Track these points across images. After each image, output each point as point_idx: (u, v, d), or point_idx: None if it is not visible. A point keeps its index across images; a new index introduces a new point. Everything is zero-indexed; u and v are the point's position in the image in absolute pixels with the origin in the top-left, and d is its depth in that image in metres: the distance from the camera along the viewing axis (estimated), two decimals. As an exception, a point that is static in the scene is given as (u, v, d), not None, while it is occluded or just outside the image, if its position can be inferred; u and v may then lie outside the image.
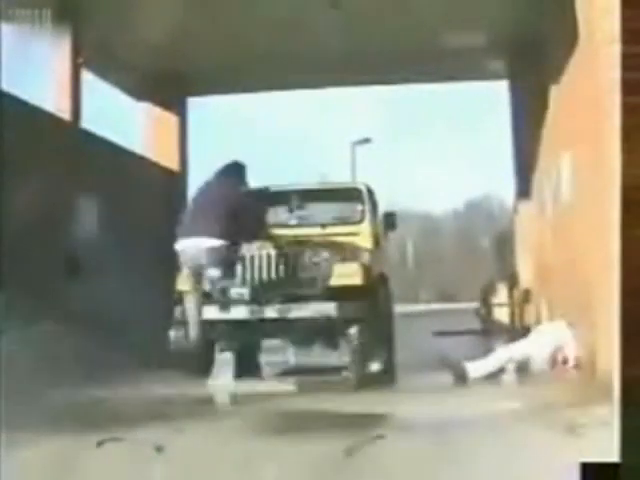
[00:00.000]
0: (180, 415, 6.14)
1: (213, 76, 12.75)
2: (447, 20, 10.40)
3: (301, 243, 8.35)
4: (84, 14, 9.51)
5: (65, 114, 9.62)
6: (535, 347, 8.01)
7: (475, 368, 7.61)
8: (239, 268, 8.00)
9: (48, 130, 9.01)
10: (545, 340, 8.12)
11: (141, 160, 11.96)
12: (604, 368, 5.98)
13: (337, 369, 8.42)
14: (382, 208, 10.13)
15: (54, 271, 8.71)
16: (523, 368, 7.93)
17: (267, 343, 9.20)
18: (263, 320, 7.85)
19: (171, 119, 13.01)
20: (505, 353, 7.99)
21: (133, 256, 10.26)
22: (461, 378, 7.42)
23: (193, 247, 7.41)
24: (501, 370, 7.73)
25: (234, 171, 8.09)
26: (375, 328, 7.85)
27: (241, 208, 7.71)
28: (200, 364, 8.19)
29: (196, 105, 13.76)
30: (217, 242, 7.42)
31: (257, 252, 8.07)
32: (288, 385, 7.74)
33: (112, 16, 9.75)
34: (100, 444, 4.27)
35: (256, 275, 7.98)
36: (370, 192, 9.55)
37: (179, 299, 7.97)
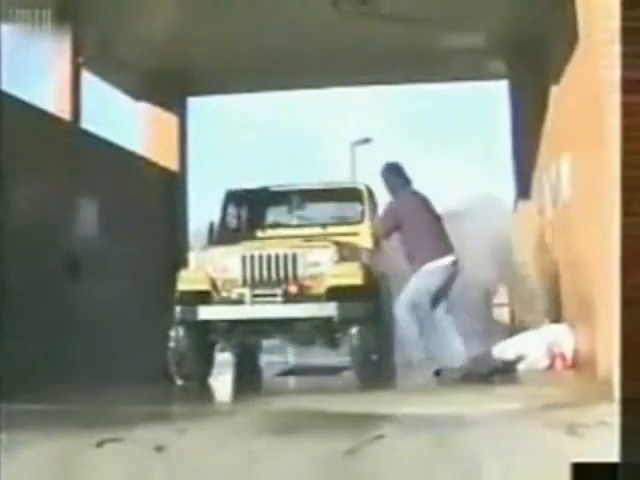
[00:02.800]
0: (180, 415, 6.15)
1: (213, 76, 12.73)
2: (447, 20, 10.38)
3: (301, 243, 8.35)
4: (84, 14, 9.50)
5: (65, 114, 9.61)
6: (531, 346, 8.01)
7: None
8: (239, 268, 8.00)
9: (48, 130, 8.99)
10: (541, 339, 8.13)
11: (141, 160, 11.95)
12: (604, 368, 5.98)
13: (337, 369, 8.42)
14: (382, 208, 10.13)
15: (53, 271, 8.70)
16: (521, 368, 7.93)
17: (267, 343, 9.20)
18: (263, 320, 7.86)
19: (171, 119, 12.99)
20: (499, 350, 7.99)
21: (132, 256, 10.26)
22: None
23: (446, 266, 7.69)
24: (500, 369, 7.73)
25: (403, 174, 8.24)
26: (375, 328, 7.85)
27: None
28: (201, 364, 8.20)
29: (196, 105, 13.75)
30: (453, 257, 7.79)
31: (257, 252, 8.07)
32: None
33: (112, 16, 9.74)
34: (100, 444, 4.27)
35: (256, 275, 7.98)
36: (370, 192, 9.55)
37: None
